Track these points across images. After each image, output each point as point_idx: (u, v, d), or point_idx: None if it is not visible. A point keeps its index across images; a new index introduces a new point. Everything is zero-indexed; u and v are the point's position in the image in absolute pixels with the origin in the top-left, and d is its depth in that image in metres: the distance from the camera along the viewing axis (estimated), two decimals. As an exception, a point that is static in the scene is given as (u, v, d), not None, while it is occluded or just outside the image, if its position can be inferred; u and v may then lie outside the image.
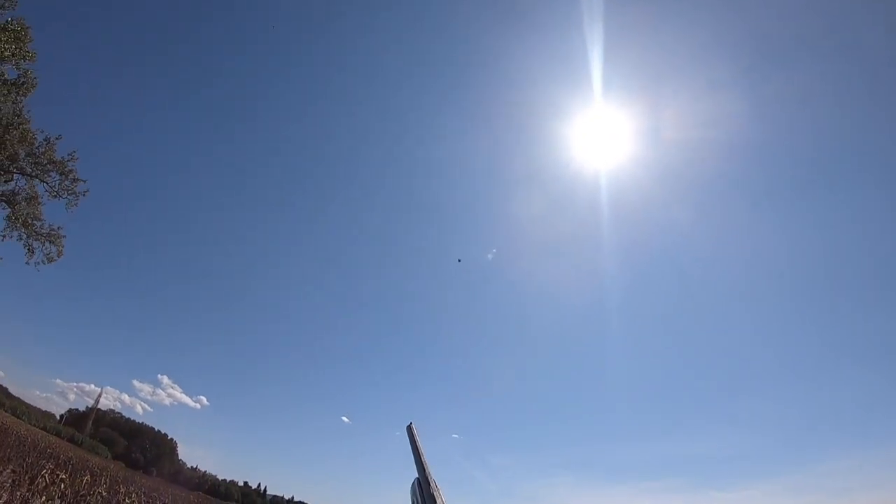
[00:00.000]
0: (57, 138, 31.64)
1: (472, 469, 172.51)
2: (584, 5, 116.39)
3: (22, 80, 27.69)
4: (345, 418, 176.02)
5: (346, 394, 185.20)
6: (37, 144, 30.72)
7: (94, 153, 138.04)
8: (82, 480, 18.49)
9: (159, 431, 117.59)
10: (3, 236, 31.62)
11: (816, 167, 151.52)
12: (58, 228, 32.88)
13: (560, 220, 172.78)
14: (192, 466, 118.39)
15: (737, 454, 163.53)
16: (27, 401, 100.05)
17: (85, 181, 32.65)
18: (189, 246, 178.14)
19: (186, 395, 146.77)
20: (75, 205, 32.50)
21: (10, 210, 31.14)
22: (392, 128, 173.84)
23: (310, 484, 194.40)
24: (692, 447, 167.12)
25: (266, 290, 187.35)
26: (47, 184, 31.79)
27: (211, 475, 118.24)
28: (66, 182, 32.04)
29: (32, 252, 32.13)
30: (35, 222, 31.93)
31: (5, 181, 31.17)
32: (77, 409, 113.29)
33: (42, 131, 31.03)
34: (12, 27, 24.98)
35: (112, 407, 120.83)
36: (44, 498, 12.40)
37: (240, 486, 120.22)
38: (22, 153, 30.52)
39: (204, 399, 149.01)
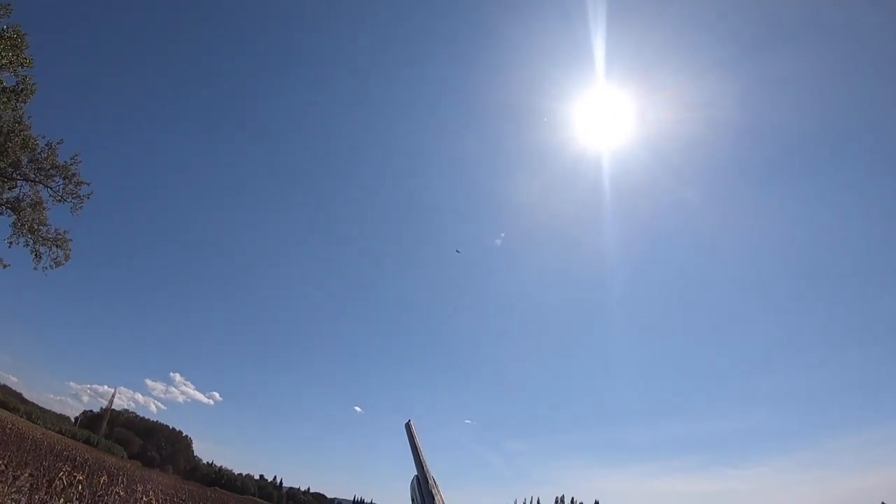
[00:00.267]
0: (59, 143, 31.78)
1: (486, 454, 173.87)
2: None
3: (21, 86, 27.71)
4: (357, 408, 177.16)
5: (358, 383, 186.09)
6: (39, 150, 30.77)
7: (96, 154, 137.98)
8: (99, 481, 18.75)
9: (174, 429, 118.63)
10: (10, 243, 31.85)
11: (825, 147, 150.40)
12: (64, 232, 33.08)
13: (564, 202, 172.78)
14: (207, 462, 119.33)
15: (749, 432, 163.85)
16: (41, 405, 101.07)
17: (89, 184, 32.77)
18: (194, 243, 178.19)
19: (199, 391, 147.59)
20: (80, 208, 32.66)
21: (15, 217, 31.34)
22: (395, 115, 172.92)
23: (325, 474, 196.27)
24: (705, 426, 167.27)
25: (275, 282, 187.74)
26: (51, 189, 31.94)
27: (227, 470, 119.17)
28: (70, 186, 32.16)
29: (40, 257, 32.34)
30: (41, 228, 32.10)
31: (9, 188, 31.34)
32: (91, 411, 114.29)
33: (43, 137, 31.13)
34: (8, 35, 24.96)
35: (126, 407, 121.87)
36: (62, 500, 12.61)
37: (256, 480, 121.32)
38: (24, 159, 30.64)
39: (217, 395, 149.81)
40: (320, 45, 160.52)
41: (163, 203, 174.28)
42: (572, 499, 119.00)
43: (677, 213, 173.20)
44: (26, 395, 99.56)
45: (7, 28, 25.18)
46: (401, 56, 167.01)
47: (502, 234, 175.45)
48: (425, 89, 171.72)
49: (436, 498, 1.53)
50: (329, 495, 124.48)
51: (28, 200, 31.64)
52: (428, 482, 1.62)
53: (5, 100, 27.08)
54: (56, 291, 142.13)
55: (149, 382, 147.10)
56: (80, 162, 32.38)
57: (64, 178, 31.95)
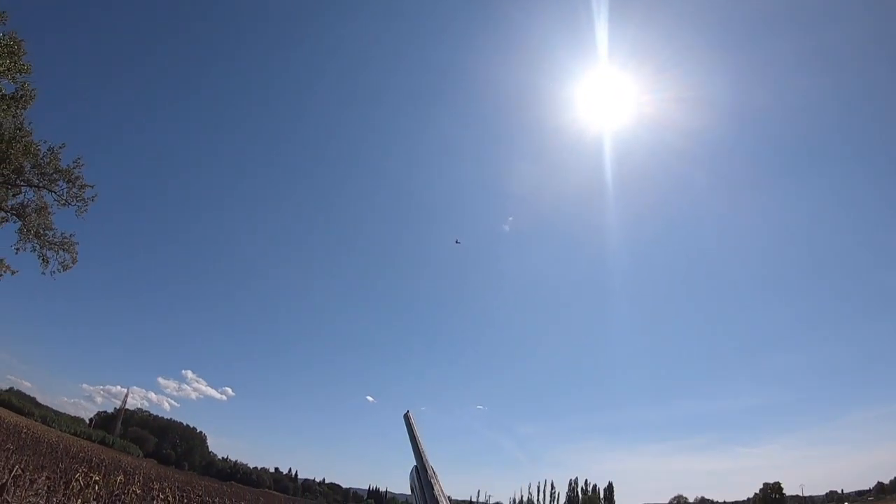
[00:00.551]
0: (61, 147, 31.73)
1: (499, 438, 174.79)
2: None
3: (20, 93, 27.73)
4: (369, 398, 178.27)
5: (370, 374, 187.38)
6: (41, 155, 30.77)
7: (101, 154, 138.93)
8: (116, 481, 19.01)
9: (188, 426, 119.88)
10: (17, 249, 32.03)
11: (832, 126, 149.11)
12: (70, 236, 33.26)
13: (568, 184, 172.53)
14: (223, 457, 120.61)
15: (760, 410, 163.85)
16: (56, 408, 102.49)
17: (92, 186, 32.85)
18: (199, 242, 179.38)
19: (212, 387, 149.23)
20: (85, 211, 32.78)
21: (21, 223, 31.48)
22: (398, 102, 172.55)
23: (340, 465, 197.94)
24: (715, 405, 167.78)
25: (283, 276, 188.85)
26: (55, 193, 32.01)
27: (242, 464, 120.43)
28: (74, 189, 32.20)
29: (47, 262, 32.51)
30: (47, 232, 32.23)
31: (13, 195, 31.46)
32: (105, 412, 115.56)
33: (45, 142, 31.14)
34: (5, 42, 24.94)
35: (140, 406, 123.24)
36: (79, 501, 12.82)
37: (271, 473, 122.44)
38: (27, 165, 30.70)
39: (230, 390, 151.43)
40: (319, 35, 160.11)
41: (169, 202, 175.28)
42: (586, 481, 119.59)
43: (682, 192, 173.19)
44: (40, 400, 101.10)
45: (3, 35, 25.15)
46: (401, 40, 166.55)
47: (510, 219, 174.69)
48: (427, 74, 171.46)
49: (435, 488, 1.54)
50: (344, 485, 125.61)
51: (33, 206, 31.76)
52: (427, 472, 1.63)
53: (5, 107, 27.07)
54: (65, 295, 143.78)
55: (161, 381, 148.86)
56: (83, 165, 32.47)
57: (67, 182, 31.99)
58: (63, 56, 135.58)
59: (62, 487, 12.82)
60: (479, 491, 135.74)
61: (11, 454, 18.73)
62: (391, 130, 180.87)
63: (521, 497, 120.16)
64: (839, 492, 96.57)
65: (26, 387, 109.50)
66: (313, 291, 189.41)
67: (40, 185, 31.57)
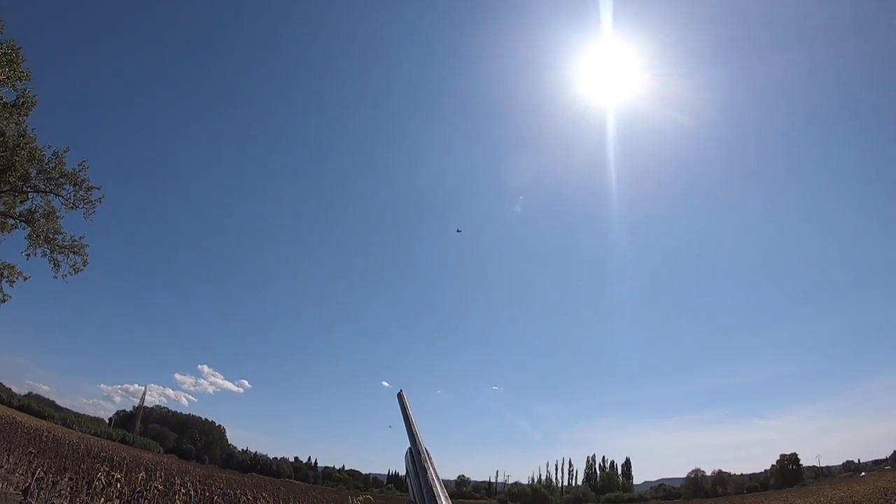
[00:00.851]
0: (65, 151, 31.87)
1: (515, 419, 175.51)
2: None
3: (22, 100, 27.87)
4: (385, 383, 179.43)
5: (385, 360, 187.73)
6: (46, 160, 30.94)
7: (105, 154, 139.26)
8: (137, 478, 19.36)
9: (207, 420, 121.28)
10: (28, 255, 32.37)
11: (842, 99, 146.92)
12: (79, 238, 33.52)
13: (574, 160, 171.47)
14: (242, 449, 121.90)
15: (775, 382, 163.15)
16: (75, 410, 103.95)
17: (99, 188, 33.03)
18: (211, 237, 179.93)
19: (228, 380, 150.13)
20: (93, 213, 32.98)
21: (30, 229, 31.79)
22: (400, 89, 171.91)
23: (359, 451, 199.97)
24: (731, 378, 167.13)
25: (295, 267, 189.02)
26: (62, 197, 32.20)
27: (262, 455, 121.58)
28: (81, 192, 32.38)
29: (58, 266, 32.81)
30: (56, 236, 32.50)
31: (21, 201, 31.74)
32: (124, 410, 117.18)
33: (49, 147, 31.28)
34: (3, 51, 24.99)
35: (158, 403, 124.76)
36: (102, 499, 13.10)
37: (291, 462, 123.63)
38: (33, 171, 30.92)
39: (246, 382, 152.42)
40: (320, 27, 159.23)
41: (177, 200, 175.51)
42: (603, 457, 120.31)
43: (688, 166, 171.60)
44: (59, 403, 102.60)
45: (2, 44, 25.20)
46: (403, 20, 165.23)
47: (521, 198, 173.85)
48: (428, 57, 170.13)
49: (428, 472, 1.46)
50: (364, 471, 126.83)
51: (41, 211, 32.02)
52: (421, 455, 1.57)
53: (7, 115, 27.21)
54: (77, 297, 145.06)
55: (178, 377, 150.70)
56: (88, 167, 32.66)
57: (74, 186, 32.16)
58: (62, 58, 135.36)
59: (85, 487, 13.11)
60: (497, 471, 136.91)
61: (34, 458, 19.12)
62: (394, 119, 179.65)
63: (540, 476, 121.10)
64: (856, 461, 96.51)
65: (45, 390, 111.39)
66: (326, 280, 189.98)
67: (47, 190, 31.78)
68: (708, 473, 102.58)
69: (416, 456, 1.59)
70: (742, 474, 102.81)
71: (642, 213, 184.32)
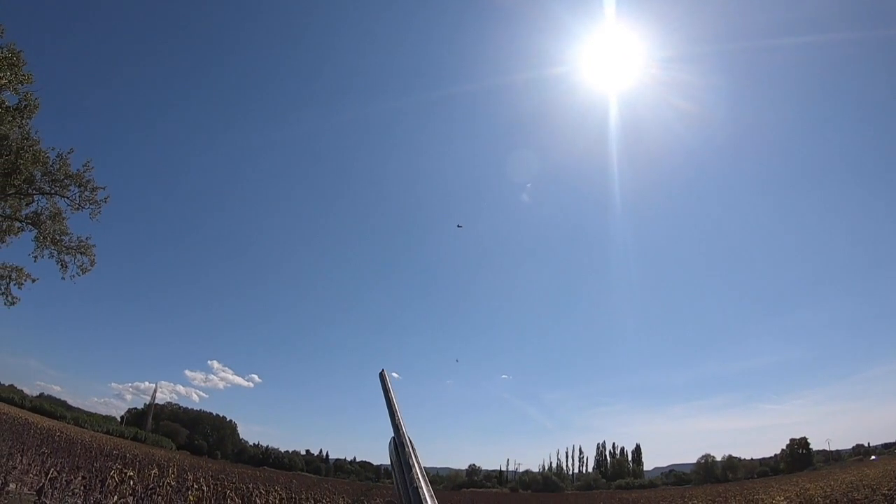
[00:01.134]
0: (69, 152, 32.11)
1: (525, 407, 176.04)
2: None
3: (24, 103, 27.96)
4: (395, 374, 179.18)
5: (393, 351, 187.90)
6: (51, 162, 31.15)
7: (110, 153, 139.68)
8: (150, 474, 19.59)
9: (218, 415, 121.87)
10: (35, 257, 32.60)
11: (850, 82, 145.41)
12: (86, 239, 33.72)
13: (577, 148, 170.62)
14: (254, 443, 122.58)
15: (784, 366, 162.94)
16: (87, 409, 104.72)
17: (104, 188, 33.20)
18: (217, 234, 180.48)
19: (238, 375, 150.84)
20: (98, 213, 33.16)
21: (37, 231, 32.00)
22: (402, 78, 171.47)
23: (369, 443, 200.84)
24: (740, 364, 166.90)
25: (302, 260, 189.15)
26: (68, 198, 32.43)
27: (274, 449, 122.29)
28: (86, 192, 32.57)
29: (66, 266, 33.05)
30: (63, 238, 32.70)
31: (27, 204, 31.96)
32: (136, 408, 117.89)
33: (53, 148, 31.49)
34: (4, 55, 25.08)
35: (169, 400, 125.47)
36: (116, 497, 13.28)
37: (303, 455, 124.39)
38: (38, 174, 31.09)
39: (256, 377, 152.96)
40: (322, 21, 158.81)
41: (182, 197, 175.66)
42: (614, 444, 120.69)
43: (694, 151, 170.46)
44: (71, 403, 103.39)
45: (2, 48, 25.30)
46: (405, 9, 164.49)
47: (528, 185, 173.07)
48: (429, 48, 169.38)
49: (414, 469, 1.30)
50: (375, 462, 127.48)
51: (47, 213, 32.23)
52: (405, 449, 1.38)
53: (10, 119, 27.35)
54: (86, 297, 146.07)
55: (188, 373, 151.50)
56: (93, 168, 32.80)
57: (79, 186, 32.34)
58: (63, 58, 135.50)
59: (98, 486, 13.30)
60: (507, 460, 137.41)
61: (47, 458, 19.36)
62: (398, 110, 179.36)
63: (550, 463, 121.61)
64: (866, 445, 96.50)
65: (56, 391, 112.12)
66: (334, 272, 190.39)
67: (52, 191, 31.98)
68: (718, 459, 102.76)
69: (399, 449, 1.42)
70: (752, 459, 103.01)
71: (648, 200, 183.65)
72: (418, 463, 1.35)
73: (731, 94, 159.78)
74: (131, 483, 14.81)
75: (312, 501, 22.52)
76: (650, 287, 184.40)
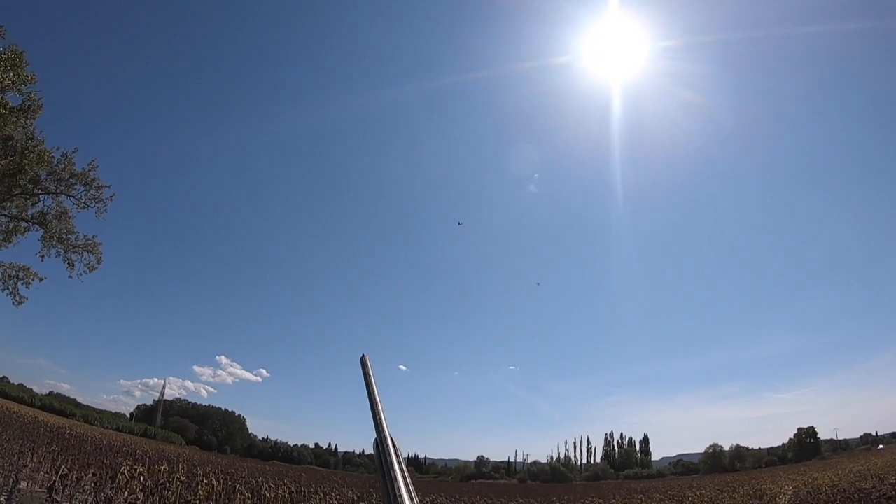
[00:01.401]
0: (74, 151, 32.24)
1: (532, 398, 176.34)
2: None
3: (28, 103, 28.11)
4: (402, 367, 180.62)
5: (400, 343, 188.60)
6: (55, 162, 31.30)
7: (114, 150, 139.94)
8: (160, 470, 19.75)
9: (227, 410, 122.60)
10: (42, 256, 32.79)
11: (857, 71, 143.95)
12: (93, 237, 33.91)
13: (582, 138, 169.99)
14: (263, 438, 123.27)
15: (791, 355, 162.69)
16: (96, 406, 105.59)
17: (109, 186, 33.39)
18: (222, 229, 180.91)
19: (246, 370, 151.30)
20: (104, 211, 33.37)
21: (43, 230, 32.17)
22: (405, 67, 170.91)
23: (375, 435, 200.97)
24: (747, 353, 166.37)
25: (309, 253, 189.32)
26: (73, 197, 32.61)
27: (283, 443, 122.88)
28: (92, 191, 32.74)
29: (73, 265, 33.24)
30: (69, 236, 32.88)
31: (32, 204, 32.13)
32: (145, 404, 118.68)
33: (58, 148, 31.65)
34: (6, 56, 25.17)
35: (178, 395, 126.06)
36: (126, 493, 13.42)
37: (312, 449, 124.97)
38: (43, 174, 31.24)
39: (264, 371, 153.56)
40: (324, 16, 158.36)
41: (189, 192, 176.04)
42: (621, 434, 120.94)
43: (704, 138, 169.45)
44: (80, 400, 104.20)
45: (5, 49, 25.41)
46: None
47: (536, 176, 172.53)
48: (430, 40, 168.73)
49: (395, 468, 1.18)
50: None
51: (53, 213, 32.42)
52: (386, 446, 1.28)
53: (14, 119, 27.46)
54: (93, 295, 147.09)
55: (196, 369, 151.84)
56: (98, 167, 32.94)
57: (84, 185, 32.50)
58: (65, 57, 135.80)
59: (109, 482, 13.45)
60: (515, 451, 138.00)
61: (57, 455, 19.54)
62: (398, 100, 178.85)
63: (559, 454, 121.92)
64: (873, 434, 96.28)
65: (65, 389, 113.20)
66: (340, 266, 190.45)
67: (58, 191, 32.15)
68: (726, 448, 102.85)
69: (380, 445, 1.32)
70: (760, 448, 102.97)
71: (652, 189, 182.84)
72: (399, 462, 1.25)
73: (736, 84, 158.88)
74: (141, 479, 14.95)
75: (322, 495, 22.62)
76: (657, 276, 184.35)
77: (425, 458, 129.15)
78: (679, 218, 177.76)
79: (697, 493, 35.90)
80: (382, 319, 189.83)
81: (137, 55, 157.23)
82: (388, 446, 1.30)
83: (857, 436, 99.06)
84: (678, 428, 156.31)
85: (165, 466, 21.51)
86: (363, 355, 1.64)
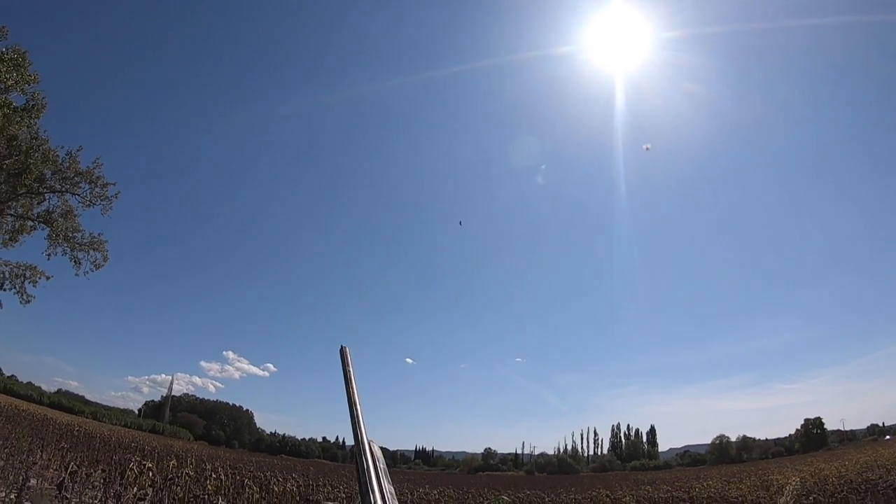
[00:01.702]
0: (78, 150, 32.38)
1: (540, 390, 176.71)
2: None
3: (32, 103, 28.16)
4: (409, 360, 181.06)
5: (406, 336, 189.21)
6: (60, 161, 31.42)
7: (119, 147, 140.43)
8: (169, 465, 19.88)
9: (234, 405, 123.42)
10: (48, 255, 32.89)
11: (861, 62, 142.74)
12: (99, 235, 34.02)
13: (584, 126, 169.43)
14: (271, 432, 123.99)
15: (798, 346, 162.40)
16: (105, 403, 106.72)
17: (115, 183, 33.48)
18: (227, 224, 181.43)
19: (254, 365, 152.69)
20: (110, 209, 33.53)
21: (49, 229, 32.28)
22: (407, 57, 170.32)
23: (385, 428, 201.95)
24: (754, 344, 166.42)
25: (314, 247, 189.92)
26: (79, 195, 32.75)
27: (291, 437, 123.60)
28: (97, 189, 32.90)
29: (79, 263, 33.32)
30: (75, 235, 32.97)
31: (38, 203, 32.24)
32: (153, 401, 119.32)
33: (62, 147, 31.75)
34: (9, 56, 25.19)
35: (185, 391, 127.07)
36: (136, 488, 13.51)
37: (319, 443, 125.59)
38: (48, 173, 31.34)
39: (271, 366, 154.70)
40: (326, 12, 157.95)
41: (194, 188, 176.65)
42: (628, 426, 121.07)
43: (706, 131, 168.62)
44: (89, 397, 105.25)
45: (7, 49, 25.43)
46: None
47: (543, 167, 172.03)
48: (432, 32, 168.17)
49: (374, 483, 1.07)
50: (391, 448, 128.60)
51: (59, 211, 32.50)
52: (362, 447, 1.15)
53: (18, 119, 27.51)
54: (99, 292, 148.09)
55: (204, 364, 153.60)
56: (102, 164, 33.02)
57: (89, 183, 32.61)
58: (67, 55, 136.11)
59: (118, 478, 13.52)
60: (523, 443, 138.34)
61: (66, 452, 19.69)
62: (404, 91, 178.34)
63: (566, 446, 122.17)
64: (880, 425, 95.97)
65: (73, 386, 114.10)
66: (346, 258, 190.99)
67: (63, 189, 32.24)
68: (733, 439, 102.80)
69: (356, 446, 1.18)
70: (767, 439, 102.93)
71: (657, 180, 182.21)
72: (378, 474, 1.16)
73: (740, 76, 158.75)
74: (150, 474, 15.02)
75: (330, 488, 22.75)
76: (662, 268, 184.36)
77: (433, 450, 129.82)
78: (684, 209, 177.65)
79: (704, 484, 35.93)
80: (389, 312, 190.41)
81: (138, 52, 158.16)
82: (365, 456, 1.17)
83: (864, 426, 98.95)
84: (685, 419, 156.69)
85: (174, 462, 21.63)
86: (342, 346, 1.52)
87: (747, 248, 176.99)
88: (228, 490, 16.67)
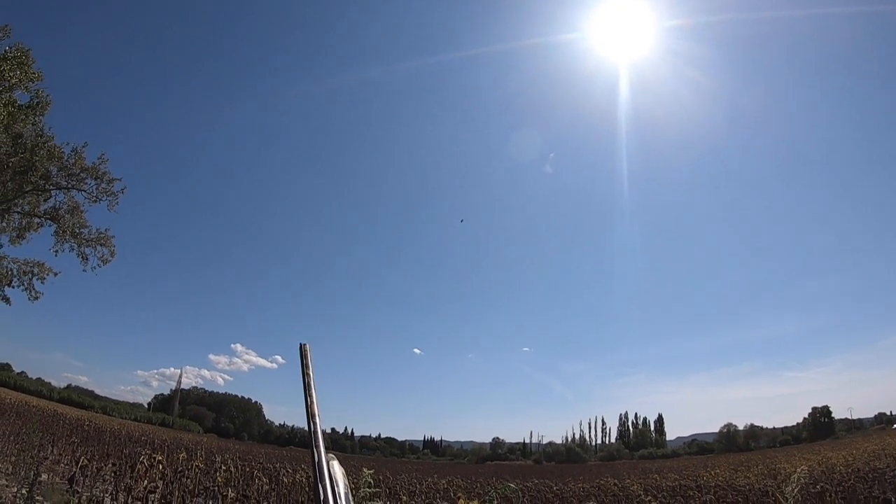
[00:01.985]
0: (84, 146, 32.40)
1: (547, 379, 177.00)
2: None
3: (36, 100, 28.23)
4: (416, 350, 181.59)
5: (414, 327, 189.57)
6: (66, 157, 31.50)
7: (124, 143, 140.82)
8: (179, 458, 20.08)
9: (243, 398, 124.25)
10: (56, 251, 33.03)
11: (868, 53, 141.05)
12: (105, 230, 34.13)
13: (591, 115, 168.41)
14: (280, 424, 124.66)
15: (806, 335, 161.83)
16: (114, 397, 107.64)
17: (120, 179, 33.49)
18: (234, 216, 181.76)
19: (262, 357, 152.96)
20: (116, 204, 33.49)
21: (56, 226, 32.43)
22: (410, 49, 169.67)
23: (393, 419, 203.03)
24: (762, 332, 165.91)
25: (320, 239, 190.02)
26: (85, 192, 32.79)
27: (299, 429, 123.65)
28: (103, 185, 32.91)
29: (86, 259, 33.46)
30: (82, 231, 33.08)
31: (45, 199, 32.37)
32: (162, 394, 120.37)
33: (68, 143, 31.84)
34: (13, 54, 25.24)
35: (194, 384, 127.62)
36: (146, 481, 13.66)
37: (328, 433, 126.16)
38: (54, 169, 31.45)
39: (279, 358, 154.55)
40: (328, 8, 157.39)
41: (201, 182, 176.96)
42: (636, 414, 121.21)
43: (708, 119, 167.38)
44: (98, 392, 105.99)
45: (10, 48, 25.49)
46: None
47: (551, 155, 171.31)
48: (434, 25, 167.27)
49: (329, 496, 0.99)
50: (399, 438, 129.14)
51: (65, 208, 32.59)
52: (318, 456, 1.08)
53: (23, 117, 27.58)
54: (108, 287, 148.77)
55: (212, 357, 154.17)
56: (108, 160, 33.05)
57: (95, 179, 32.65)
58: (70, 51, 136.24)
59: (128, 471, 13.66)
60: (531, 432, 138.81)
61: (77, 447, 19.89)
62: (407, 78, 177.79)
63: (573, 435, 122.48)
64: (888, 413, 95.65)
65: (83, 381, 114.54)
66: (353, 250, 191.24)
67: (69, 186, 32.32)
68: (740, 427, 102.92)
69: (313, 469, 1.06)
70: (774, 428, 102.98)
71: (663, 169, 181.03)
72: (335, 496, 1.02)
73: (745, 65, 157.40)
74: (160, 467, 15.17)
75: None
76: (669, 256, 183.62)
77: (441, 440, 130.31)
78: (689, 197, 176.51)
79: (712, 473, 36.02)
80: (396, 303, 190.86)
81: (140, 48, 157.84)
82: (323, 483, 1.03)
83: (872, 415, 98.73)
84: (692, 407, 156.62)
85: (184, 454, 21.84)
86: (302, 344, 1.40)
87: (754, 235, 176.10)
88: (238, 482, 16.83)
